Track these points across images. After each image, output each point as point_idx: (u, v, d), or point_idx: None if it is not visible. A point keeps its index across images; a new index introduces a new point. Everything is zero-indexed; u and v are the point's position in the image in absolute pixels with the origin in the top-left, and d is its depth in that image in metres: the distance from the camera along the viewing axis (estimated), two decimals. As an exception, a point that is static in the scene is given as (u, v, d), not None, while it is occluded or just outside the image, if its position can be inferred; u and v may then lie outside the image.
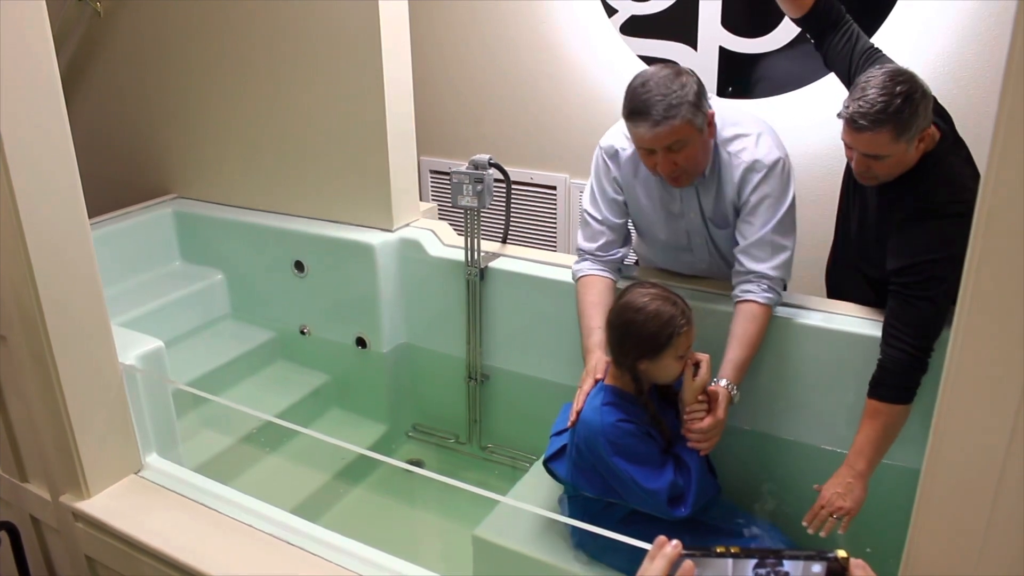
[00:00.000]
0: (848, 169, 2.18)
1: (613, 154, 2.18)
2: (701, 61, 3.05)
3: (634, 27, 3.17)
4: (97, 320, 1.68)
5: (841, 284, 2.36)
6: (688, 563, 0.87)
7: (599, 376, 1.97)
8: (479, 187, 2.44)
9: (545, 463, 2.03)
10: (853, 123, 1.85)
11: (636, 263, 2.50)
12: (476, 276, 2.57)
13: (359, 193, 2.75)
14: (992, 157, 0.87)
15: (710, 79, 3.08)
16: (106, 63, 3.14)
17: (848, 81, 2.17)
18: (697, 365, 1.89)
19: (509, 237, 2.74)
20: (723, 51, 3.02)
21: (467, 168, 2.46)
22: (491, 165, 2.45)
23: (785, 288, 2.17)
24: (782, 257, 2.09)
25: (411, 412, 2.90)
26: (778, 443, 2.29)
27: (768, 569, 0.87)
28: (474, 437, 2.77)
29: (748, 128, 2.08)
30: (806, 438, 2.26)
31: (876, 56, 2.12)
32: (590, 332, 2.10)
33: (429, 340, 2.80)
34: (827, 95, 2.84)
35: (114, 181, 3.30)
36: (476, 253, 2.55)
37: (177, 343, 2.84)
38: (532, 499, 2.09)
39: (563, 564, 1.99)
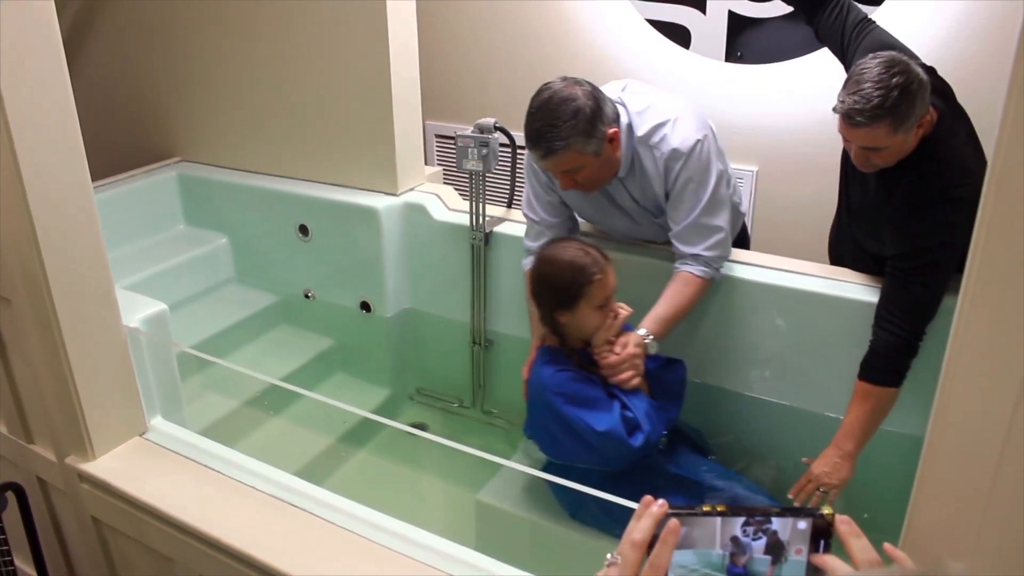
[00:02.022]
0: (845, 153, 2.16)
1: None
2: (710, 25, 3.02)
3: (642, -11, 3.13)
4: (101, 283, 1.67)
5: (843, 254, 2.35)
6: (674, 521, 0.86)
7: (537, 344, 2.06)
8: (484, 151, 2.42)
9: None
10: (849, 119, 1.80)
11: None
12: (481, 241, 2.56)
13: (364, 157, 2.73)
14: (1000, 142, 0.86)
15: (718, 43, 3.05)
16: (111, 25, 3.11)
17: (842, 55, 2.14)
18: (616, 317, 1.95)
19: (516, 201, 2.73)
20: (732, 15, 2.99)
21: (472, 132, 2.44)
22: (496, 129, 2.43)
23: (724, 262, 2.19)
24: (715, 237, 2.11)
25: (415, 376, 2.90)
26: (779, 409, 2.30)
27: (755, 527, 0.87)
28: (478, 401, 2.78)
29: (663, 115, 2.06)
30: (807, 404, 2.27)
31: (868, 29, 2.08)
32: (536, 320, 2.13)
33: (433, 305, 2.80)
34: (836, 61, 2.81)
35: (118, 144, 3.28)
36: (481, 218, 2.54)
37: (182, 307, 2.84)
38: (535, 464, 2.10)
39: (563, 528, 2.01)
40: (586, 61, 3.35)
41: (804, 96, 2.96)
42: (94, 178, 1.63)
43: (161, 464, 1.76)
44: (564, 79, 1.98)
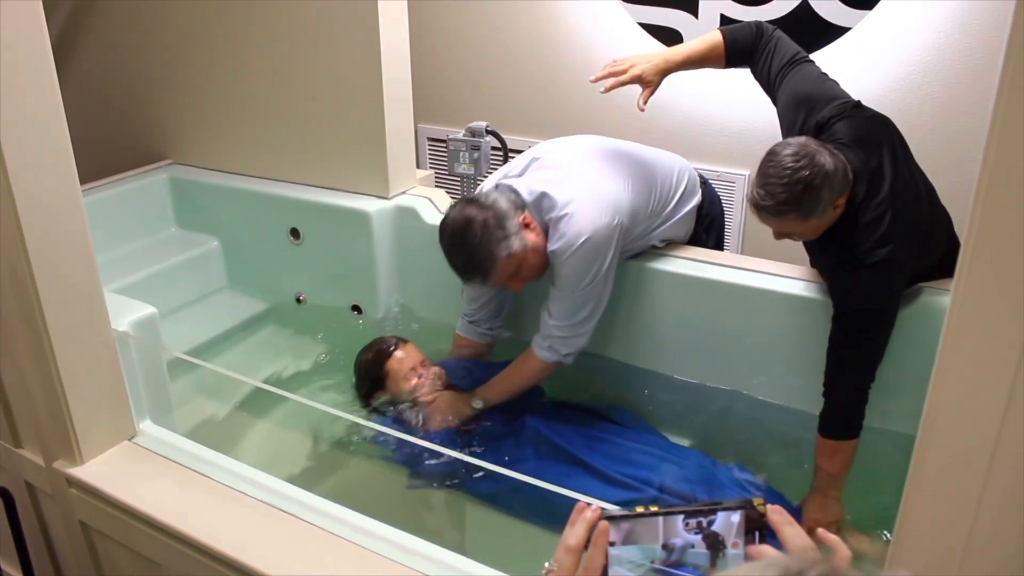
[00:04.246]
0: None
1: None
2: (702, 28, 3.02)
3: (634, -7, 3.13)
4: (89, 286, 1.66)
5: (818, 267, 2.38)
6: (604, 523, 0.88)
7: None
8: (476, 154, 2.42)
9: None
10: (758, 208, 1.83)
11: None
12: (472, 244, 2.55)
13: (355, 160, 2.72)
14: (988, 146, 0.86)
15: (711, 47, 3.04)
16: (102, 27, 3.10)
17: (774, 101, 2.15)
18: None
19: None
20: (724, 18, 2.99)
21: (464, 135, 2.43)
22: (488, 133, 2.43)
23: (576, 354, 2.22)
24: (572, 322, 2.14)
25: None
26: (764, 407, 2.33)
27: (696, 520, 0.89)
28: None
29: (554, 210, 2.09)
30: (794, 403, 2.29)
31: (788, 74, 2.08)
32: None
33: (425, 308, 2.79)
34: (830, 65, 2.82)
35: (109, 146, 3.27)
36: (472, 221, 2.53)
37: (173, 310, 2.83)
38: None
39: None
40: (578, 64, 3.35)
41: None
42: (85, 180, 1.62)
43: (150, 468, 1.74)
44: (452, 207, 2.13)
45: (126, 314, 1.93)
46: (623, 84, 2.14)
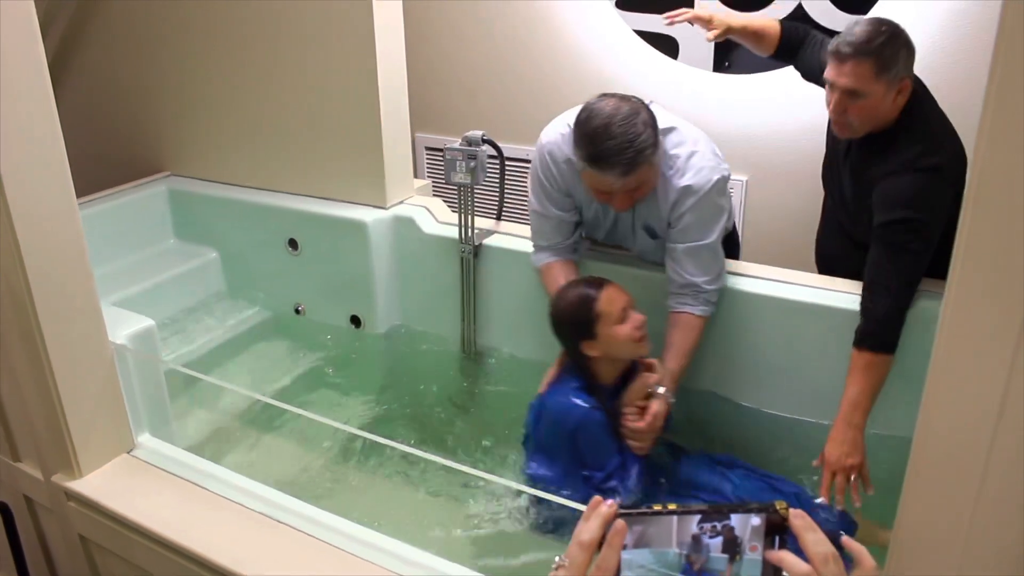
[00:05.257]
0: (830, 137, 2.20)
1: (564, 160, 2.15)
2: (698, 36, 3.02)
3: (630, 1, 3.14)
4: (86, 300, 1.66)
5: (831, 252, 2.38)
6: (620, 522, 0.85)
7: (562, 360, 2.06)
8: (472, 163, 2.42)
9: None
10: (838, 53, 1.93)
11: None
12: (470, 254, 2.55)
13: (353, 170, 2.73)
14: (981, 132, 0.86)
15: (706, 54, 3.05)
16: (99, 40, 3.11)
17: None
18: (650, 368, 1.98)
19: (505, 214, 2.72)
20: (720, 25, 2.99)
21: (460, 144, 2.43)
22: (484, 141, 2.43)
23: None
24: (716, 270, 2.12)
25: (406, 391, 2.89)
26: (770, 418, 2.32)
27: (712, 523, 0.86)
28: (469, 421, 2.76)
29: (682, 145, 2.05)
30: (798, 413, 2.28)
31: None
32: None
33: (423, 318, 2.79)
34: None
35: (107, 159, 3.27)
36: (470, 230, 2.54)
37: (172, 322, 2.83)
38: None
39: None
40: (575, 73, 3.35)
41: (792, 105, 2.97)
42: (84, 193, 1.62)
43: (148, 481, 1.74)
44: (609, 95, 1.94)
45: (124, 327, 1.93)
46: (694, 18, 2.31)
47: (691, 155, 2.04)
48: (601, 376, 1.98)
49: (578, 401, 1.93)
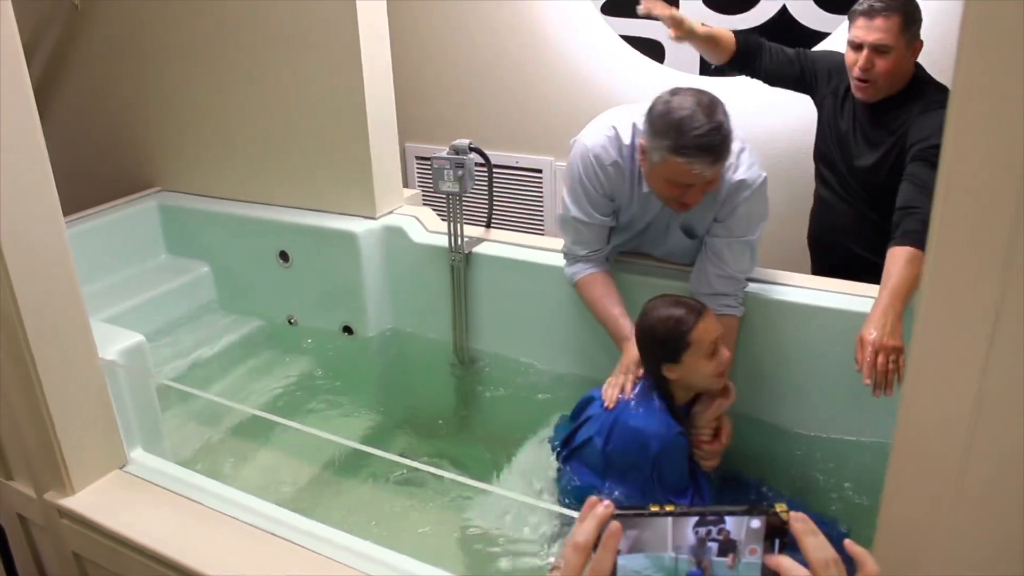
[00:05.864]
0: (829, 115, 2.26)
1: (611, 163, 2.09)
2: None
3: (615, 7, 3.15)
4: (75, 317, 1.66)
5: (835, 226, 2.44)
6: (615, 524, 0.84)
7: (640, 372, 1.98)
8: (460, 172, 2.43)
9: (561, 452, 2.06)
10: (870, 10, 2.09)
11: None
12: (461, 262, 2.56)
13: (342, 181, 2.73)
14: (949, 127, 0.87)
15: (692, 57, 3.06)
16: (85, 57, 3.12)
17: (797, 84, 2.33)
18: (725, 391, 1.94)
19: (495, 222, 2.73)
20: (705, 29, 3.00)
21: (447, 153, 2.44)
22: (471, 150, 2.44)
23: None
24: (751, 269, 2.15)
25: (400, 399, 2.89)
26: (769, 429, 2.30)
27: (708, 527, 0.84)
28: (462, 423, 2.76)
29: (743, 139, 2.05)
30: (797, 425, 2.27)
31: (810, 53, 2.36)
32: (614, 320, 2.12)
33: (415, 326, 2.79)
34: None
35: (97, 176, 3.27)
36: (460, 239, 2.54)
37: (165, 336, 2.83)
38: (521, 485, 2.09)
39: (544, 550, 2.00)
40: (562, 80, 3.37)
41: (779, 107, 2.98)
42: (75, 210, 1.63)
43: (141, 497, 1.74)
44: (681, 90, 1.91)
45: (114, 343, 1.94)
46: (669, 16, 2.37)
47: (742, 151, 2.03)
48: (677, 397, 1.93)
49: (667, 425, 1.87)
